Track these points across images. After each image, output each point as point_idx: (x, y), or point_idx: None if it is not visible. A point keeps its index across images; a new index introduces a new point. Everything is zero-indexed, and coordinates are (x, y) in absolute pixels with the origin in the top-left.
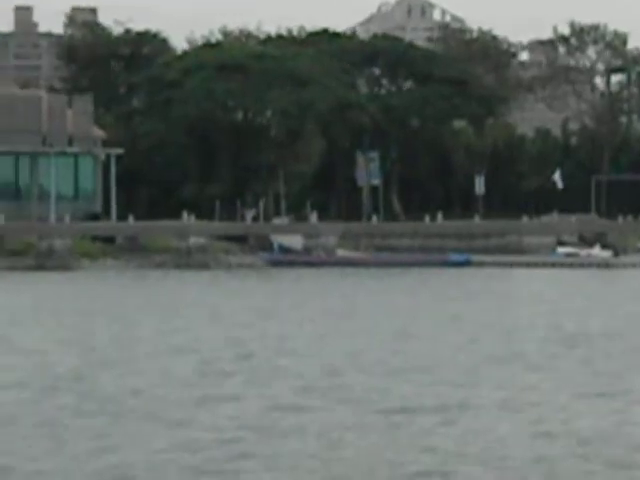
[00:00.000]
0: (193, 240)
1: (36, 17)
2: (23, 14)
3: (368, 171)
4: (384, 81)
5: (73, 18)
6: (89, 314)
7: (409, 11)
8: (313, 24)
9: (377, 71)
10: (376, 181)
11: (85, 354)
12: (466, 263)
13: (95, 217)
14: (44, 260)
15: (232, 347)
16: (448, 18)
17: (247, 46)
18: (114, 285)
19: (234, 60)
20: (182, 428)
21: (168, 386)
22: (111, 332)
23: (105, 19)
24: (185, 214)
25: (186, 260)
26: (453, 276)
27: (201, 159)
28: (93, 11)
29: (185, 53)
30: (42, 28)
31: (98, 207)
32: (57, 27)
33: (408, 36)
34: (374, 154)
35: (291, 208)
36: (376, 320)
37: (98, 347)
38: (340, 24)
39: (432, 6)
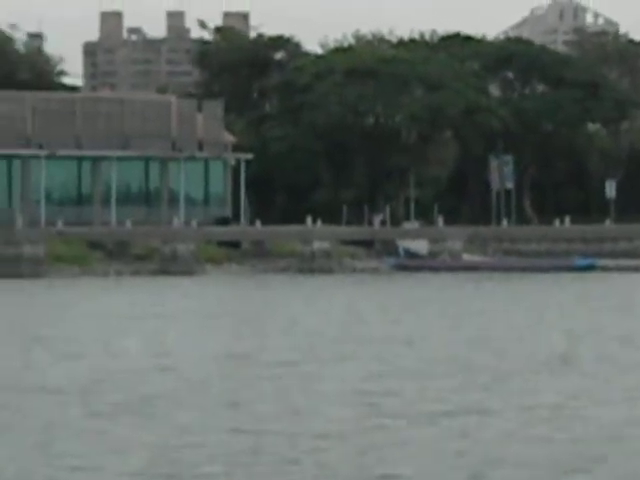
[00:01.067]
0: (317, 245)
1: (188, 23)
2: (175, 19)
3: (501, 175)
4: (517, 84)
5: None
6: (212, 317)
7: (561, 15)
8: (462, 29)
9: (510, 74)
10: (509, 185)
11: None
12: (591, 267)
13: (225, 222)
14: (168, 265)
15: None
16: (601, 21)
17: (378, 50)
18: (240, 288)
19: (365, 64)
20: None
21: None
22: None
23: (238, 23)
24: (309, 219)
25: (309, 265)
26: (575, 280)
27: (332, 164)
28: (245, 16)
29: (317, 58)
30: (194, 34)
31: (228, 212)
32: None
33: (560, 39)
34: (508, 158)
35: (422, 212)
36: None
37: None
38: (492, 28)
39: (584, 10)
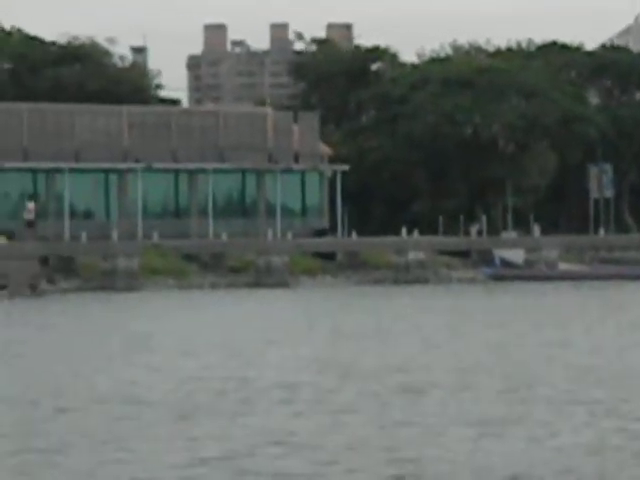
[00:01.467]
0: (412, 255)
1: (292, 34)
2: (279, 31)
3: (600, 183)
4: (614, 92)
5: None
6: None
7: None
8: (562, 37)
9: (607, 83)
10: (609, 193)
11: None
12: None
13: (322, 233)
14: (262, 277)
15: None
16: None
17: (474, 60)
18: (333, 300)
19: (461, 74)
20: None
21: None
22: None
23: (341, 34)
24: (404, 229)
25: (404, 275)
26: None
27: (430, 174)
28: (348, 27)
29: (413, 68)
30: (298, 46)
31: (325, 223)
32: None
33: None
34: (607, 166)
35: (520, 222)
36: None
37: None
38: (594, 37)
39: None
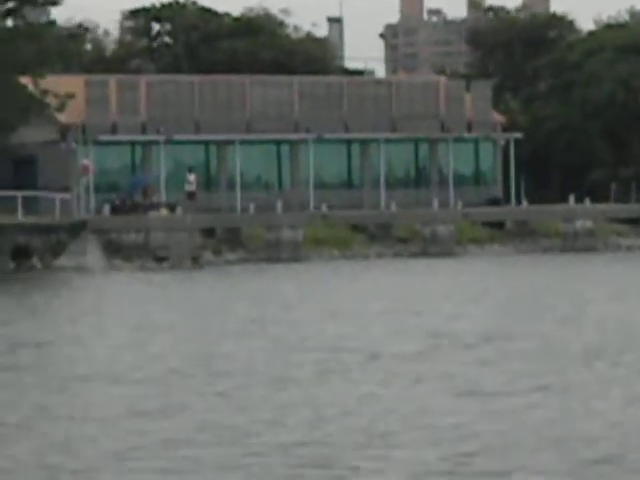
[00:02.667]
0: (580, 223)
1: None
2: None
3: None
4: None
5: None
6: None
7: None
8: None
9: None
10: None
11: None
12: None
13: (495, 202)
14: (428, 246)
15: None
16: None
17: None
18: (499, 268)
19: (637, 41)
20: None
21: None
22: None
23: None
24: (572, 198)
25: (572, 244)
26: None
27: (607, 142)
28: None
29: (588, 35)
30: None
31: (498, 192)
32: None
33: None
34: None
35: None
36: None
37: None
38: None
39: None
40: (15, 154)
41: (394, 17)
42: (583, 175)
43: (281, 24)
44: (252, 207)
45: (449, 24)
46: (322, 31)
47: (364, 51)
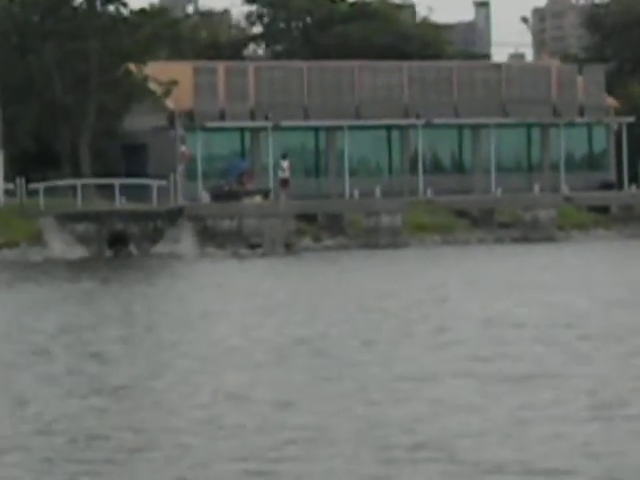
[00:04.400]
0: None
1: None
2: None
3: None
4: None
5: None
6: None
7: None
8: None
9: None
10: None
11: None
12: None
13: (609, 187)
14: (529, 232)
15: None
16: None
17: None
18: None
19: None
20: None
21: None
22: None
23: None
24: None
25: None
26: None
27: None
28: None
29: None
30: None
31: (611, 177)
32: None
33: None
34: None
35: None
36: None
37: None
38: None
39: None
40: (125, 141)
41: (541, 1)
42: None
43: (397, 8)
44: (356, 193)
45: (596, 7)
46: (469, 16)
47: (511, 36)
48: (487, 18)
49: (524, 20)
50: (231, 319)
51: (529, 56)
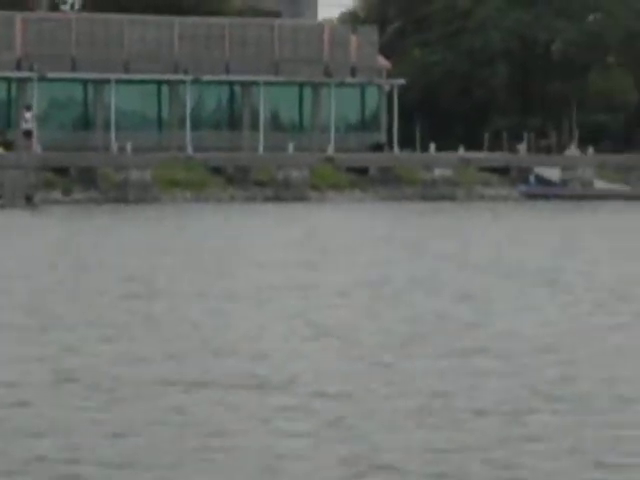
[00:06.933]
0: (438, 171)
1: None
2: None
3: None
4: None
5: None
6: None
7: None
8: None
9: None
10: None
11: None
12: None
13: (379, 147)
14: (281, 191)
15: None
16: None
17: None
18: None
19: None
20: None
21: None
22: None
23: None
24: (432, 145)
25: (431, 192)
26: None
27: (488, 90)
28: None
29: None
30: None
31: (382, 138)
32: None
33: None
34: None
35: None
36: None
37: None
38: None
39: None
40: None
41: None
42: (482, 124)
43: None
44: (129, 147)
45: None
46: None
47: None
48: None
49: None
50: None
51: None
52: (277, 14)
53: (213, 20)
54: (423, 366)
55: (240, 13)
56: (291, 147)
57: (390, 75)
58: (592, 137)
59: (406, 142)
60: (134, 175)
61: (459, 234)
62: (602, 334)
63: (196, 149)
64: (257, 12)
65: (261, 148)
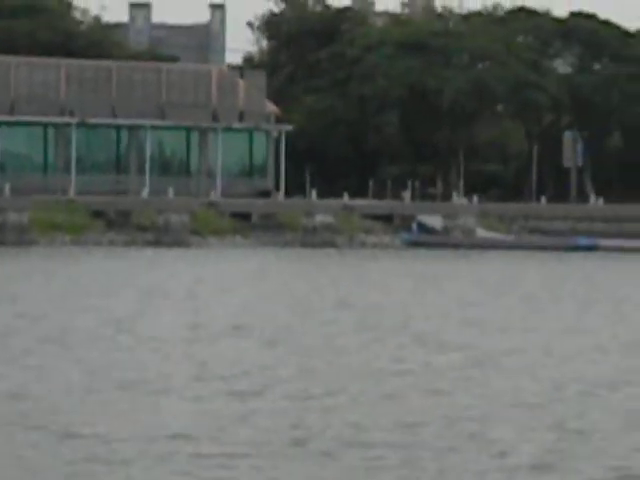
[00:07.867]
0: (319, 218)
1: None
2: None
3: (574, 151)
4: (578, 60)
5: None
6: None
7: None
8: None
9: (573, 49)
10: (580, 162)
11: None
12: (593, 248)
13: (266, 194)
14: (161, 236)
15: None
16: None
17: (431, 23)
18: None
19: (416, 37)
20: None
21: None
22: None
23: None
24: (314, 192)
25: (311, 238)
26: (569, 260)
27: (379, 138)
28: None
29: (370, 30)
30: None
31: (270, 184)
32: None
33: None
34: (576, 134)
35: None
36: None
37: None
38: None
39: None
40: None
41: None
42: (372, 171)
43: (67, 6)
44: (7, 188)
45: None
46: (204, 17)
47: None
48: (222, 21)
49: (250, 25)
50: None
51: None
52: (175, 59)
53: (100, 63)
54: None
55: (136, 57)
56: (171, 192)
57: (280, 120)
58: (482, 186)
59: (296, 189)
60: (12, 217)
61: (308, 279)
62: None
63: (82, 192)
64: (155, 57)
65: (146, 192)
